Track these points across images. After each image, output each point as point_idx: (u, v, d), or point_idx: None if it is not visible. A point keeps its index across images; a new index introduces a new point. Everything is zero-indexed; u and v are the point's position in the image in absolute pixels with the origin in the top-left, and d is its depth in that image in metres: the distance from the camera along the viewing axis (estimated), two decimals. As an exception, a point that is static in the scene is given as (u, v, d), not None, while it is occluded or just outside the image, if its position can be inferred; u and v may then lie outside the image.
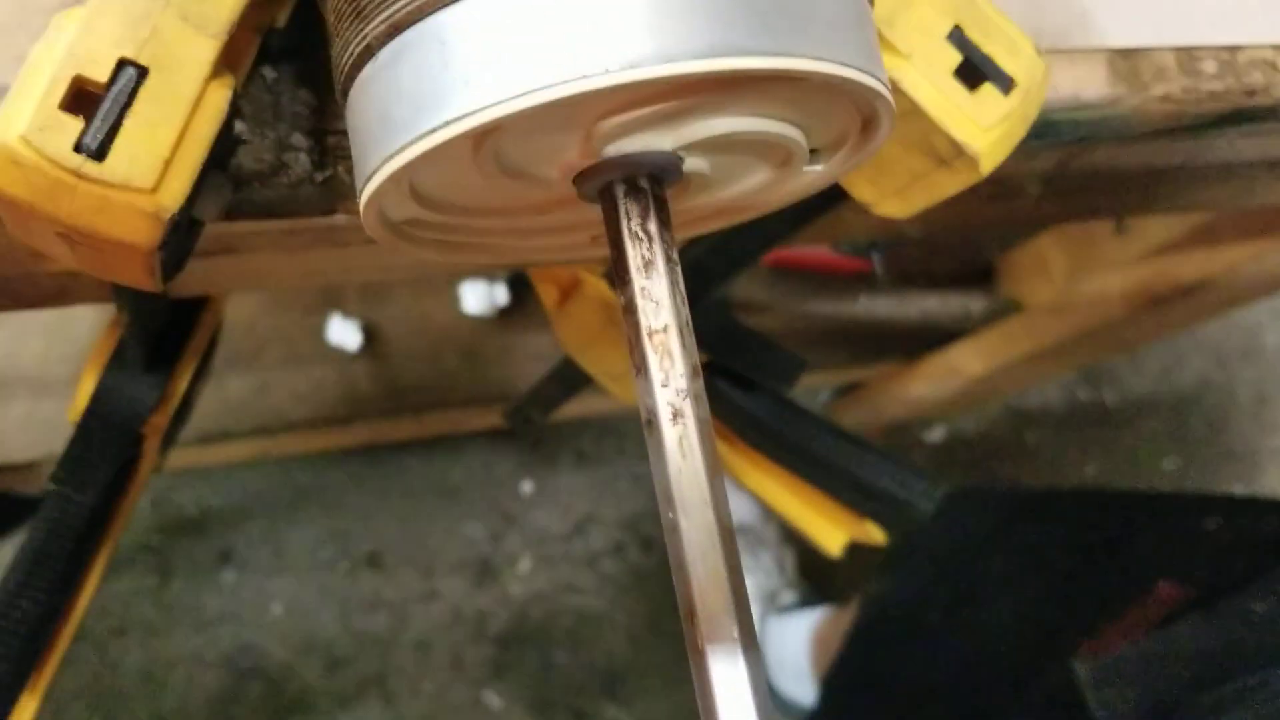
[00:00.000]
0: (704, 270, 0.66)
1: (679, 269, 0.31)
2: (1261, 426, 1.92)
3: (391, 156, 0.28)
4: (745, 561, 1.55)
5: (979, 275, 1.56)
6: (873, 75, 0.29)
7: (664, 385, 0.30)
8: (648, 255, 0.31)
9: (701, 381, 0.31)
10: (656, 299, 0.30)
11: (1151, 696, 0.76)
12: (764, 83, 0.27)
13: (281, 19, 0.41)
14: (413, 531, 1.56)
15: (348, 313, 1.38)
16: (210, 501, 1.52)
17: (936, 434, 1.78)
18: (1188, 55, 0.55)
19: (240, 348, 1.34)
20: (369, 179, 0.29)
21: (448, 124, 0.27)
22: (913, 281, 1.52)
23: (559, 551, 1.60)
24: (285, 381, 1.37)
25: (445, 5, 0.27)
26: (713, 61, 0.26)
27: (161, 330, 0.60)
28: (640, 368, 0.30)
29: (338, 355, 1.37)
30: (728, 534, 0.29)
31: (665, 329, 0.30)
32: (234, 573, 1.50)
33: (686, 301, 0.31)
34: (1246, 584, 0.78)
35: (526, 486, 1.62)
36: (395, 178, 0.29)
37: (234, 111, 0.37)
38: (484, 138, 0.27)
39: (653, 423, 0.30)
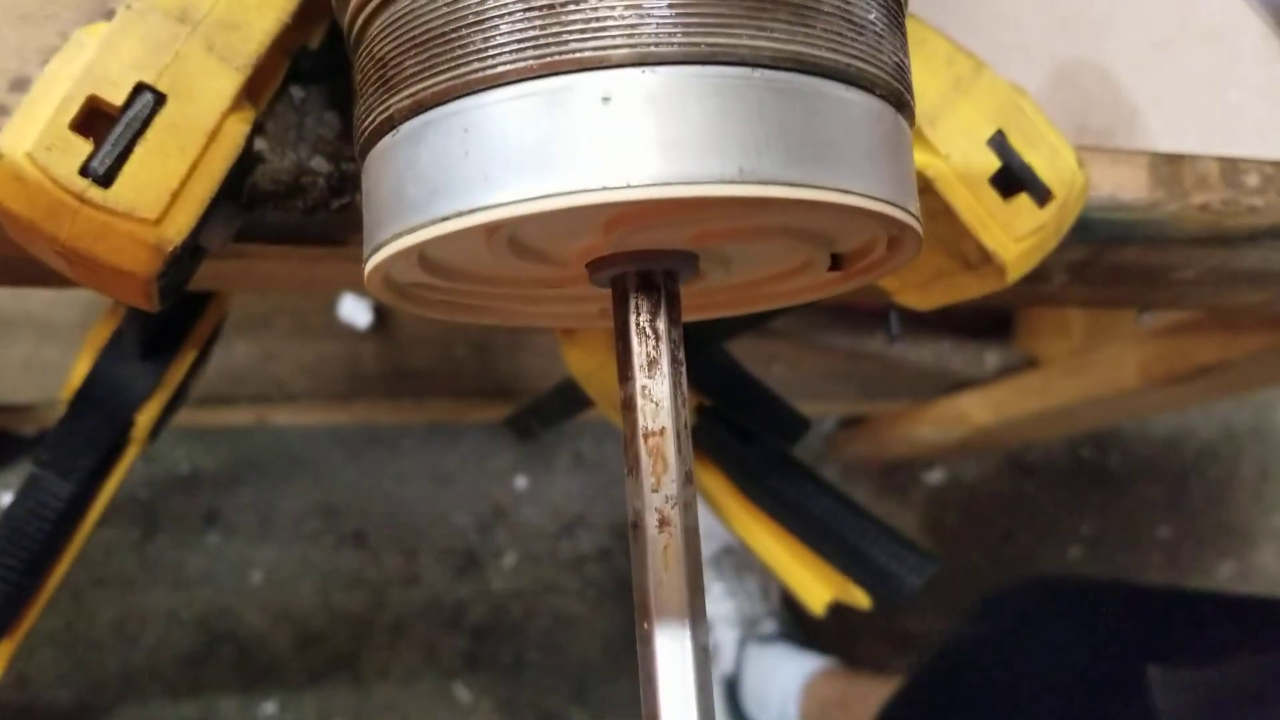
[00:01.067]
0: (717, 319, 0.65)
1: (684, 370, 0.30)
2: (1261, 504, 1.90)
3: (401, 235, 0.27)
4: (729, 584, 1.54)
5: (997, 324, 1.54)
6: (899, 206, 0.28)
7: (654, 490, 0.29)
8: (653, 354, 0.30)
9: (694, 489, 0.30)
10: (657, 400, 0.29)
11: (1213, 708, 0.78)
12: (789, 203, 0.26)
13: (315, 40, 0.40)
14: (401, 514, 1.55)
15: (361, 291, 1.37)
16: (203, 462, 1.51)
17: (935, 476, 1.77)
18: (1231, 166, 0.54)
19: (250, 314, 1.33)
20: (377, 249, 0.28)
21: (461, 215, 0.26)
22: (929, 325, 1.51)
23: (545, 550, 1.59)
24: (291, 352, 1.36)
25: (471, 93, 0.26)
26: (734, 188, 0.25)
27: (163, 319, 0.59)
28: (632, 468, 0.29)
29: (347, 332, 1.36)
30: (703, 653, 0.29)
31: (662, 432, 0.29)
32: (218, 535, 1.49)
33: (687, 403, 0.30)
34: None
35: (520, 482, 1.61)
36: (404, 253, 0.28)
37: (255, 129, 0.36)
38: (498, 225, 0.26)
39: (638, 526, 0.29)
